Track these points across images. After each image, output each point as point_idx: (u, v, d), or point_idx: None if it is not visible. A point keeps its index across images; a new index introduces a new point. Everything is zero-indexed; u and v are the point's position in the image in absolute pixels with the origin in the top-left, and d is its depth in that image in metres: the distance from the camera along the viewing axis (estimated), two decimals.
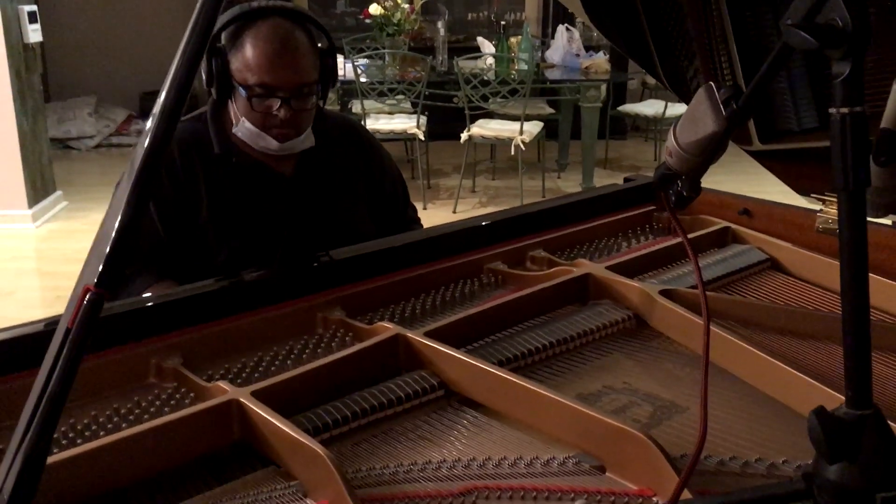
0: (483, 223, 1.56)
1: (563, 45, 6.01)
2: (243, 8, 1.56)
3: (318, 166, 1.72)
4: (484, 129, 5.40)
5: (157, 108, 0.75)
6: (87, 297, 0.71)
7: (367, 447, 1.01)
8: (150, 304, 1.20)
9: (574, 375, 1.19)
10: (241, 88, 1.54)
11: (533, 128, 5.46)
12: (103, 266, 0.71)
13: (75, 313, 0.72)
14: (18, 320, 3.34)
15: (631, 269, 1.44)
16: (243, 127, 1.58)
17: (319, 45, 1.62)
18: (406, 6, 5.72)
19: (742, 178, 4.44)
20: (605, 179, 6.24)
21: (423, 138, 5.43)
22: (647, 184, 1.81)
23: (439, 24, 5.89)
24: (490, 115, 5.56)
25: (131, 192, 0.72)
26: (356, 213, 1.80)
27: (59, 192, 5.49)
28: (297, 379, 1.05)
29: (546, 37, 7.05)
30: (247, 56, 1.53)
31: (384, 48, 5.87)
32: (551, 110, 6.24)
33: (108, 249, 0.71)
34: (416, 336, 1.15)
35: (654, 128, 6.72)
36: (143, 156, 0.73)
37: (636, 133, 7.80)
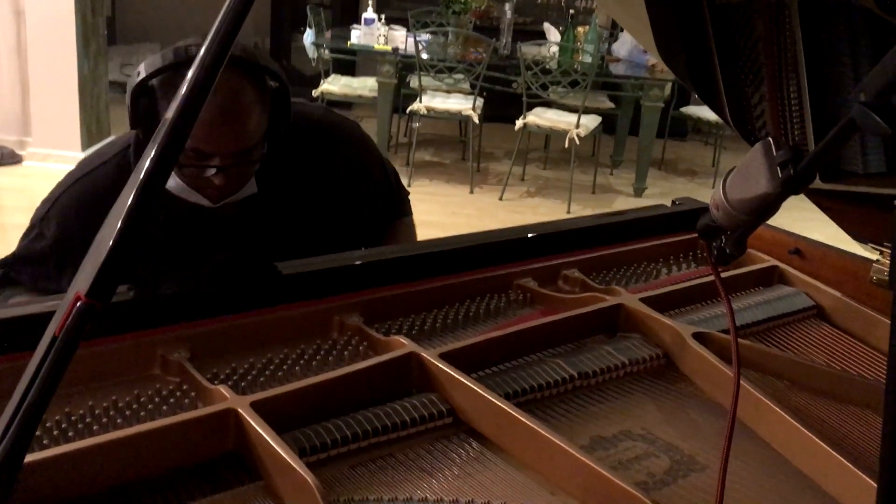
0: (517, 237, 1.50)
1: (631, 39, 5.85)
2: (179, 54, 1.30)
3: (278, 188, 1.50)
4: (540, 118, 5.30)
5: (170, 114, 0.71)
6: (77, 305, 0.68)
7: (363, 472, 0.97)
8: (162, 292, 1.17)
9: (592, 415, 1.14)
10: None
11: (590, 122, 5.35)
12: (97, 275, 0.67)
13: (63, 321, 0.68)
14: None
15: (668, 303, 1.38)
16: (173, 181, 1.37)
17: (271, 84, 1.38)
18: None
19: (790, 215, 4.29)
20: (659, 181, 6.12)
21: (477, 121, 5.35)
22: (694, 209, 1.73)
23: (507, 6, 5.78)
24: (548, 104, 5.45)
25: (133, 201, 0.68)
26: (326, 226, 1.59)
27: (112, 137, 5.53)
28: (301, 392, 1.01)
29: (615, 29, 6.89)
30: None
31: (448, 24, 5.80)
32: (611, 105, 6.10)
33: (103, 258, 0.68)
34: (430, 357, 1.10)
35: (715, 132, 6.54)
36: (149, 165, 0.69)
37: (696, 136, 7.61)
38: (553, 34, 5.80)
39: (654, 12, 1.45)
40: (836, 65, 1.32)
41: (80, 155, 5.05)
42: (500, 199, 5.34)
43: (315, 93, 5.71)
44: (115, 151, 1.49)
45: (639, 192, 5.67)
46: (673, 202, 1.78)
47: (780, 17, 1.35)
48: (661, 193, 5.81)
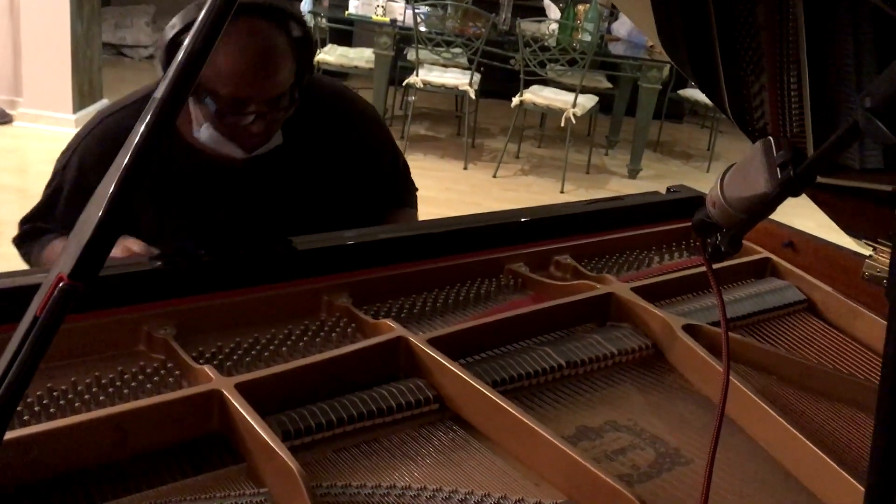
0: (509, 221, 1.49)
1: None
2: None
3: (276, 153, 1.51)
4: (537, 95, 5.26)
5: (161, 92, 0.69)
6: (60, 286, 0.66)
7: (347, 457, 0.96)
8: (149, 268, 1.15)
9: (579, 405, 1.13)
10: (209, 98, 1.36)
11: (587, 101, 5.32)
12: (80, 256, 0.66)
13: (44, 301, 0.67)
14: None
15: (659, 293, 1.37)
16: (207, 133, 1.42)
17: (296, 32, 1.43)
18: None
19: (784, 208, 4.28)
20: (654, 163, 6.10)
21: (473, 97, 5.31)
22: (689, 197, 1.72)
23: None
24: (545, 81, 5.42)
25: (119, 180, 0.67)
26: (327, 198, 1.62)
27: (105, 101, 5.47)
28: (286, 374, 1.00)
29: (615, 8, 6.83)
30: (218, 64, 1.34)
31: None
32: (609, 85, 6.07)
33: (87, 238, 0.66)
34: (418, 342, 1.09)
35: (711, 115, 6.52)
36: (136, 145, 0.67)
37: (693, 118, 7.58)
38: (553, 11, 5.75)
39: (659, 6, 1.43)
40: (837, 57, 1.30)
41: (72, 117, 5.00)
42: (494, 176, 5.32)
43: None
44: (138, 97, 1.53)
45: (633, 173, 5.66)
46: (668, 189, 1.77)
47: (783, 6, 1.33)
48: (656, 175, 5.80)
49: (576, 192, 5.23)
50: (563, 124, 5.15)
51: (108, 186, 0.67)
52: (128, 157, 0.67)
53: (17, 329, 0.68)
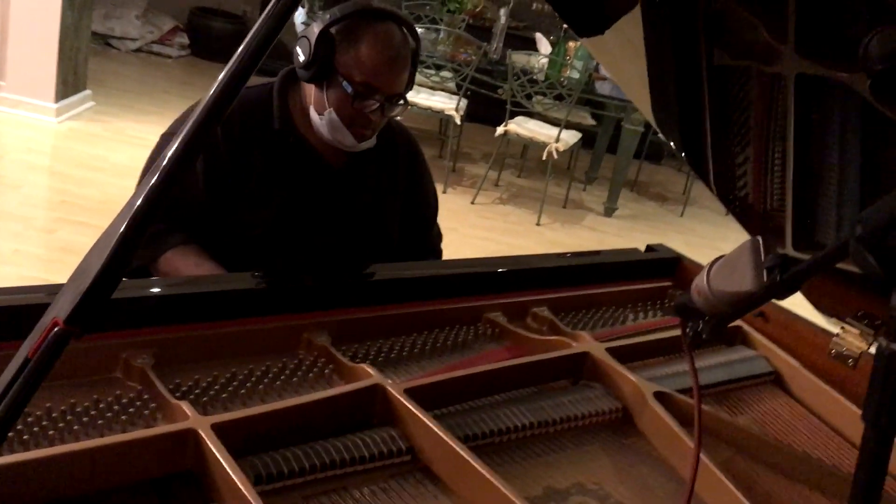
0: (489, 270, 1.50)
1: None
2: (361, 5, 1.58)
3: (367, 166, 1.73)
4: (521, 127, 5.31)
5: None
6: (55, 331, 0.67)
7: None
8: (130, 295, 1.15)
9: (547, 464, 1.15)
10: (345, 83, 1.55)
11: (570, 137, 5.37)
12: (77, 304, 0.67)
13: (38, 344, 0.67)
14: (19, 217, 3.32)
15: (633, 354, 1.39)
16: (329, 117, 1.59)
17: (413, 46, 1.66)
18: None
19: (797, 309, 4.35)
20: (630, 203, 6.17)
21: (458, 122, 5.34)
22: (668, 258, 1.75)
23: (502, 12, 5.77)
24: (531, 113, 5.47)
25: (122, 235, 0.67)
26: (389, 220, 1.80)
27: (88, 92, 5.42)
28: (262, 417, 1.00)
29: None
30: (361, 54, 1.55)
31: (442, 21, 5.78)
32: (593, 122, 6.13)
33: (86, 288, 0.67)
34: (395, 391, 1.10)
35: None
36: (142, 202, 0.68)
37: (671, 161, 7.68)
38: (544, 45, 5.81)
39: (654, 69, 1.46)
40: (823, 141, 1.34)
41: (53, 106, 4.94)
42: (473, 202, 5.35)
43: None
44: (257, 83, 1.70)
45: (609, 211, 5.72)
46: (647, 247, 1.80)
47: (775, 86, 1.37)
48: (631, 215, 5.87)
49: (551, 226, 5.28)
50: (544, 157, 5.20)
51: (109, 237, 0.68)
52: (143, 199, 0.68)
53: (8, 367, 0.68)
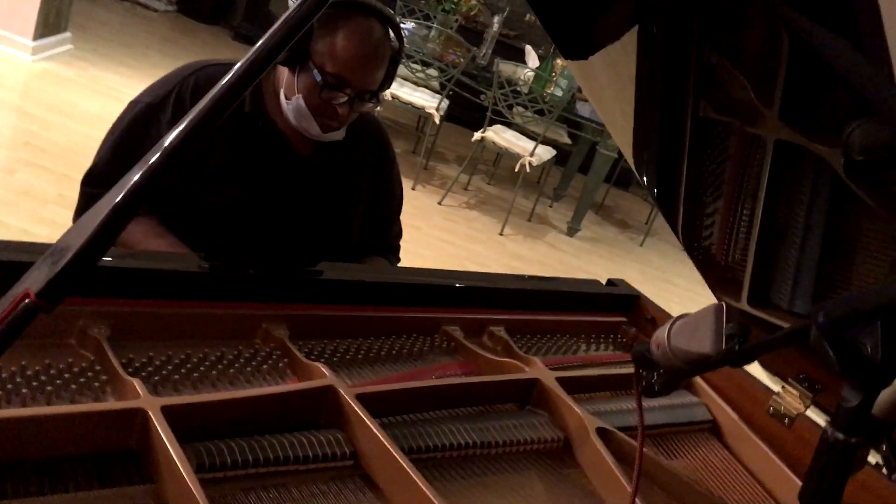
0: (454, 284, 1.52)
1: None
2: None
3: (335, 157, 1.73)
4: (499, 136, 5.34)
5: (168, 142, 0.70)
6: (25, 303, 0.67)
7: (255, 498, 0.97)
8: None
9: (485, 486, 1.16)
10: (316, 71, 1.55)
11: (545, 153, 5.42)
12: (51, 280, 0.66)
13: (5, 314, 0.67)
14: None
15: (581, 386, 1.42)
16: (296, 103, 1.59)
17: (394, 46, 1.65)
18: None
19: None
20: (594, 225, 6.25)
21: (437, 122, 5.35)
22: (627, 294, 1.78)
23: (496, 19, 5.80)
24: (509, 124, 5.50)
25: (106, 218, 0.67)
26: (350, 213, 1.81)
27: (68, 34, 5.32)
28: (213, 405, 1.01)
29: None
30: (336, 45, 1.54)
31: (435, 18, 5.78)
32: (568, 140, 6.20)
33: (62, 266, 0.66)
34: (346, 395, 1.11)
35: None
36: (134, 185, 0.68)
37: (638, 189, 7.80)
38: (532, 58, 5.85)
39: (640, 111, 1.49)
40: (792, 206, 1.38)
41: (30, 44, 4.83)
42: (440, 203, 5.36)
43: None
44: (227, 61, 1.65)
45: (572, 231, 5.78)
46: (608, 281, 1.83)
47: (754, 146, 1.40)
48: (592, 238, 5.94)
49: (514, 238, 5.31)
50: (517, 169, 5.24)
51: (92, 219, 0.67)
52: (123, 191, 0.68)
53: None
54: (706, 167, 1.52)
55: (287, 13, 0.74)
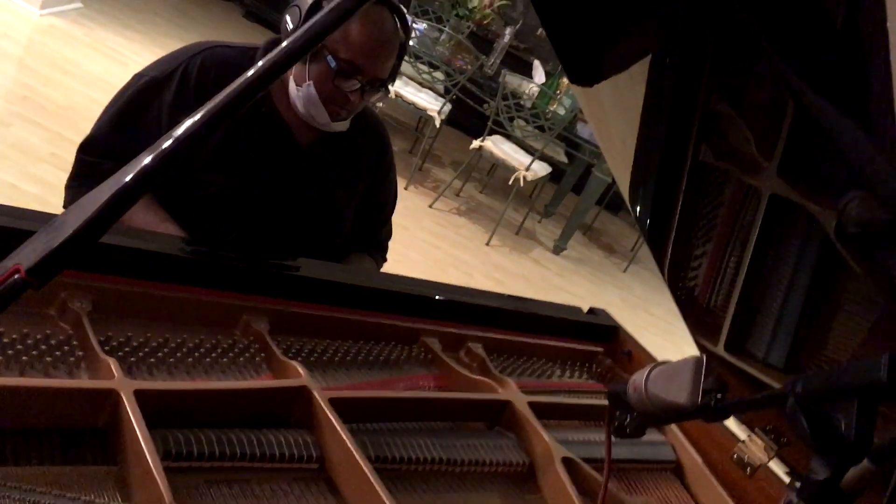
0: (438, 296, 1.52)
1: None
2: None
3: (334, 151, 1.73)
4: (497, 146, 5.35)
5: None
6: (15, 278, 0.66)
7: (217, 493, 0.97)
8: None
9: (446, 502, 1.17)
10: (330, 57, 1.55)
11: (541, 169, 5.43)
12: (43, 258, 0.66)
13: None
14: None
15: (552, 412, 1.43)
16: (307, 90, 1.58)
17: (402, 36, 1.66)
18: None
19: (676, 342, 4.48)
20: (580, 246, 6.27)
21: (437, 125, 5.36)
22: (606, 325, 1.79)
23: (508, 30, 5.81)
24: (508, 135, 5.51)
25: (107, 202, 0.67)
26: (343, 208, 1.81)
27: (79, 4, 5.27)
28: (186, 393, 1.01)
29: None
30: (351, 32, 1.54)
31: (448, 22, 5.79)
32: (565, 159, 6.21)
33: (56, 245, 0.66)
34: (319, 398, 1.11)
35: None
36: (143, 168, 0.68)
37: (627, 215, 7.83)
38: (539, 74, 5.86)
39: (641, 148, 1.50)
40: (779, 259, 1.40)
41: (35, 9, 4.78)
42: (431, 206, 5.36)
43: None
44: (237, 44, 1.70)
45: (558, 250, 5.80)
46: (590, 310, 1.84)
47: (749, 196, 1.41)
48: (577, 259, 5.96)
49: (500, 249, 5.33)
50: (511, 182, 5.25)
51: (93, 200, 0.67)
52: (122, 179, 0.68)
53: None
54: (700, 210, 1.53)
55: (325, 10, 0.72)
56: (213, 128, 0.69)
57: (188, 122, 0.69)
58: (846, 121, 0.87)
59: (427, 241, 4.80)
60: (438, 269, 4.51)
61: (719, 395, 0.77)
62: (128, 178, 0.67)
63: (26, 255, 0.67)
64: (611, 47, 1.42)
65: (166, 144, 0.69)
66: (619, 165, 1.59)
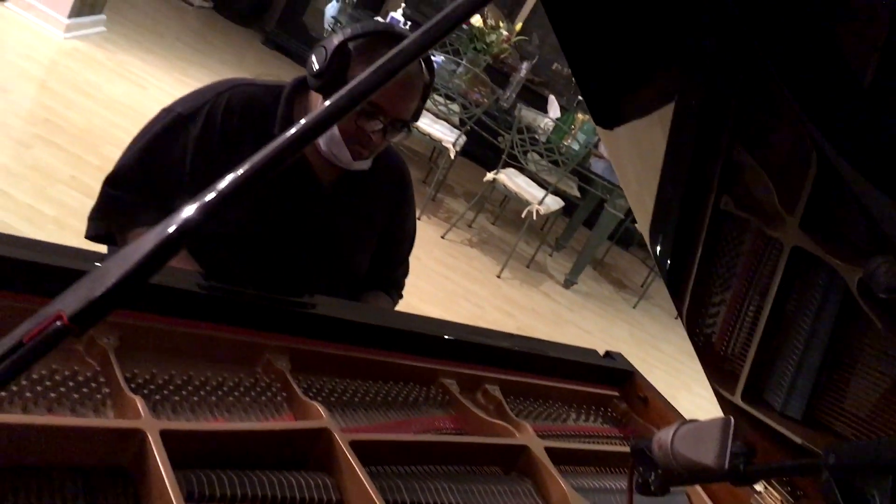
0: (457, 337, 1.52)
1: None
2: (383, 26, 1.61)
3: (354, 192, 1.75)
4: (510, 180, 5.37)
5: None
6: (57, 325, 0.67)
7: None
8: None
9: None
10: None
11: (553, 204, 5.45)
12: (86, 307, 0.67)
13: (35, 332, 0.68)
14: (1, 124, 3.27)
15: (570, 457, 1.42)
16: (330, 130, 1.56)
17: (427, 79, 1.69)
18: (504, 33, 5.68)
19: (698, 412, 4.45)
20: (590, 280, 6.26)
21: (452, 157, 5.38)
22: (623, 369, 1.79)
23: (524, 65, 5.86)
24: (522, 169, 5.54)
25: (152, 252, 0.68)
26: (362, 249, 1.82)
27: (103, 16, 5.35)
28: (211, 434, 1.01)
29: None
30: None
31: (465, 55, 5.84)
32: (577, 193, 6.23)
33: (99, 294, 0.67)
34: (341, 441, 1.11)
35: None
36: (180, 224, 0.69)
37: (638, 250, 7.83)
38: (554, 109, 5.90)
39: (662, 194, 1.51)
40: (799, 311, 1.40)
41: (64, 21, 4.86)
42: (443, 237, 5.38)
43: None
44: (264, 83, 1.72)
45: (568, 284, 5.80)
46: (606, 353, 1.84)
47: (770, 247, 1.42)
48: (587, 294, 5.95)
49: (511, 282, 5.33)
50: (523, 215, 5.26)
51: (134, 252, 0.68)
52: (166, 231, 0.69)
53: None
54: (719, 258, 1.53)
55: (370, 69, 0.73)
56: (257, 182, 0.70)
57: (232, 176, 0.70)
58: (875, 191, 0.88)
59: (439, 273, 4.80)
60: (450, 300, 4.51)
61: (748, 459, 0.77)
62: (171, 230, 0.68)
63: (69, 303, 0.68)
64: (634, 92, 1.43)
65: (209, 197, 0.70)
66: (638, 205, 1.59)
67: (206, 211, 0.69)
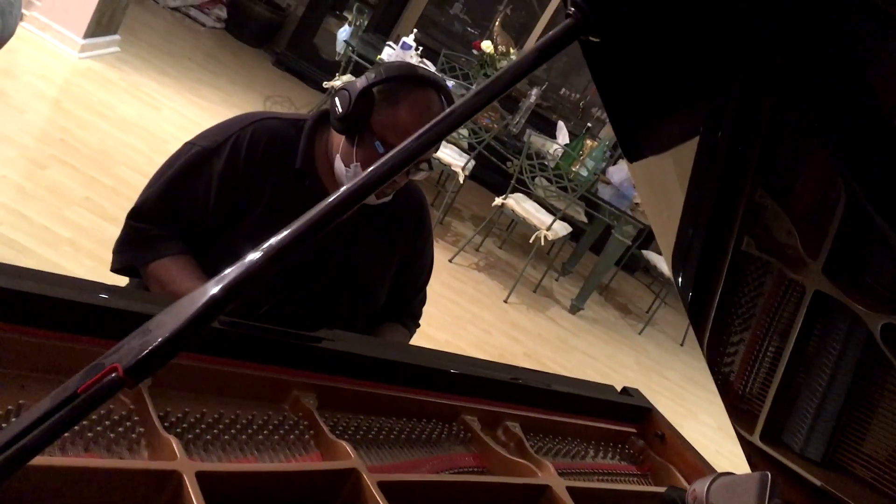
0: (479, 374, 1.53)
1: (626, 169, 6.02)
2: (406, 70, 1.62)
3: (373, 225, 1.76)
4: (519, 205, 5.39)
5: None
6: (112, 376, 0.68)
7: None
8: (147, 310, 1.15)
9: None
10: (378, 143, 1.58)
11: (561, 229, 5.46)
12: (140, 359, 0.68)
13: (91, 383, 0.69)
14: (15, 143, 3.30)
15: (590, 497, 1.43)
16: (355, 171, 1.62)
17: None
18: (514, 58, 5.72)
19: (725, 453, 4.44)
20: (596, 306, 6.26)
21: (461, 181, 5.41)
22: (640, 406, 1.80)
23: (534, 91, 5.89)
24: (530, 194, 5.56)
25: (202, 309, 0.69)
26: (380, 281, 1.83)
27: (117, 37, 5.40)
28: (243, 475, 1.02)
29: (615, 150, 7.07)
30: (399, 118, 1.57)
31: (474, 80, 5.87)
32: (585, 219, 6.25)
33: (153, 347, 0.68)
34: (369, 481, 1.12)
35: (661, 281, 6.74)
36: (227, 284, 0.70)
37: (645, 276, 7.83)
38: (563, 135, 5.93)
39: (684, 229, 1.52)
40: (820, 355, 1.40)
41: (80, 41, 4.90)
42: (451, 261, 5.39)
43: (327, 84, 5.70)
44: (286, 116, 1.73)
45: (574, 309, 5.80)
46: (623, 389, 1.84)
47: (791, 290, 1.43)
48: (593, 319, 5.95)
49: (517, 307, 5.33)
50: (531, 241, 5.28)
51: (191, 303, 0.70)
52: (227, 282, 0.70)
53: (54, 393, 0.69)
54: (739, 298, 1.54)
55: (414, 136, 0.75)
56: (301, 243, 0.71)
57: (278, 237, 0.72)
58: None
59: (446, 297, 4.81)
60: (457, 325, 4.52)
61: None
62: (216, 291, 0.70)
63: (124, 355, 0.69)
64: (661, 124, 1.45)
65: (255, 257, 0.71)
66: (662, 236, 1.60)
67: (251, 272, 0.70)
